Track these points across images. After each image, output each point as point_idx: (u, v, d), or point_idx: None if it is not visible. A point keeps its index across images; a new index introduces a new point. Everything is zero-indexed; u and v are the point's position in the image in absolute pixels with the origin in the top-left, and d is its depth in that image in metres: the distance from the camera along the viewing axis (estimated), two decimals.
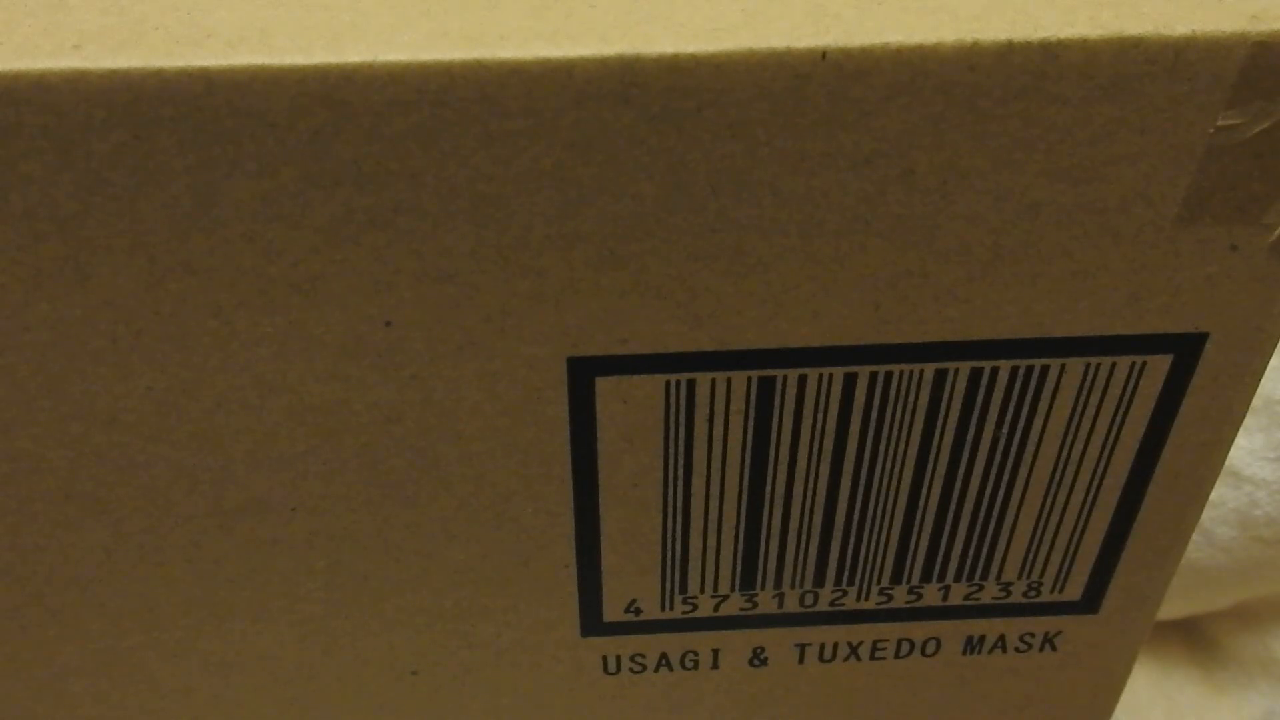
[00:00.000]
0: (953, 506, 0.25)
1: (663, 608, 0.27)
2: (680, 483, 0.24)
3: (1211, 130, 0.19)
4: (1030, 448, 0.24)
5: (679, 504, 0.24)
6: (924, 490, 0.25)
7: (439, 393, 0.22)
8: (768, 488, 0.24)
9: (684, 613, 0.27)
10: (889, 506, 0.25)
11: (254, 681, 0.27)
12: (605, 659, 0.28)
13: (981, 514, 0.25)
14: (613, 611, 0.27)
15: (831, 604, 0.27)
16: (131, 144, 0.19)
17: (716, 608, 0.27)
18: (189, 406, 0.22)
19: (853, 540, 0.25)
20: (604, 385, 0.22)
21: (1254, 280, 0.21)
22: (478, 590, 0.26)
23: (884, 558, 0.26)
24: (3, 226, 0.19)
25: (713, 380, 0.22)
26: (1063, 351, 0.22)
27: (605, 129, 0.19)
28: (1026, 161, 0.19)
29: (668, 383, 0.22)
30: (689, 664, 0.28)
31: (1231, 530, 0.40)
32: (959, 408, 0.23)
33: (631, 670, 0.28)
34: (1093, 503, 0.25)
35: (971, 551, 0.26)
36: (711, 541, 0.25)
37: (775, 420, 0.23)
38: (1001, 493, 0.25)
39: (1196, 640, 0.45)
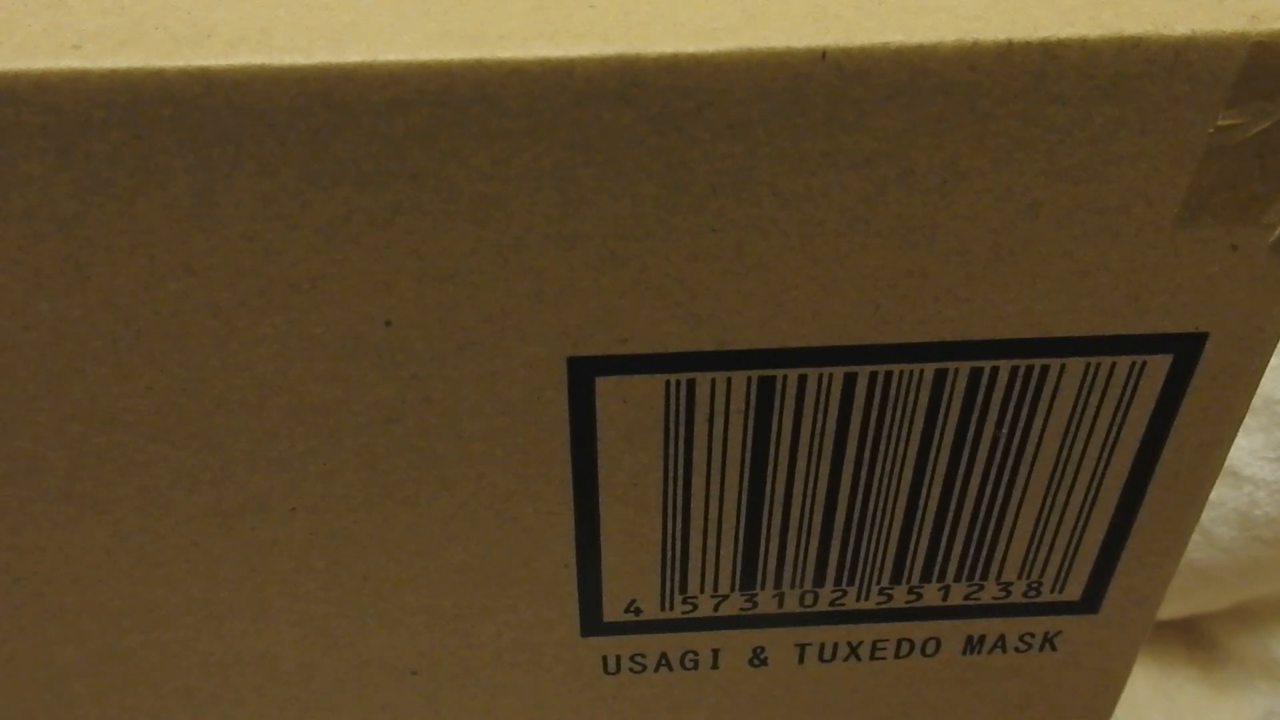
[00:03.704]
0: (953, 506, 0.25)
1: (663, 608, 0.27)
2: (680, 483, 0.24)
3: (1211, 130, 0.19)
4: (1030, 448, 0.24)
5: (679, 504, 0.24)
6: (924, 490, 0.25)
7: (439, 393, 0.22)
8: (768, 488, 0.24)
9: (684, 613, 0.27)
10: (889, 506, 0.25)
11: (254, 681, 0.27)
12: (605, 659, 0.28)
13: (981, 514, 0.25)
14: (613, 611, 0.27)
15: (831, 604, 0.27)
16: (131, 144, 0.19)
17: (716, 608, 0.27)
18: (189, 406, 0.22)
19: (853, 540, 0.25)
20: (604, 385, 0.22)
21: (1254, 280, 0.21)
22: (478, 590, 0.26)
23: (884, 558, 0.26)
24: (3, 226, 0.19)
25: (713, 380, 0.22)
26: (1063, 351, 0.22)
27: (605, 129, 0.19)
28: (1026, 161, 0.19)
29: (668, 383, 0.22)
30: (689, 664, 0.28)
31: (1231, 530, 0.40)
32: (959, 408, 0.23)
33: (631, 670, 0.28)
34: (1093, 503, 0.25)
35: (971, 551, 0.26)
36: (711, 541, 0.25)
37: (775, 420, 0.23)
38: (1001, 493, 0.25)
39: (1196, 640, 0.45)
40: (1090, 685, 0.29)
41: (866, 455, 0.24)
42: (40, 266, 0.20)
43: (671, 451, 0.23)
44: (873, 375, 0.22)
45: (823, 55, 0.18)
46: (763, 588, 0.26)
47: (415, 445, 0.23)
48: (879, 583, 0.26)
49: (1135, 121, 0.19)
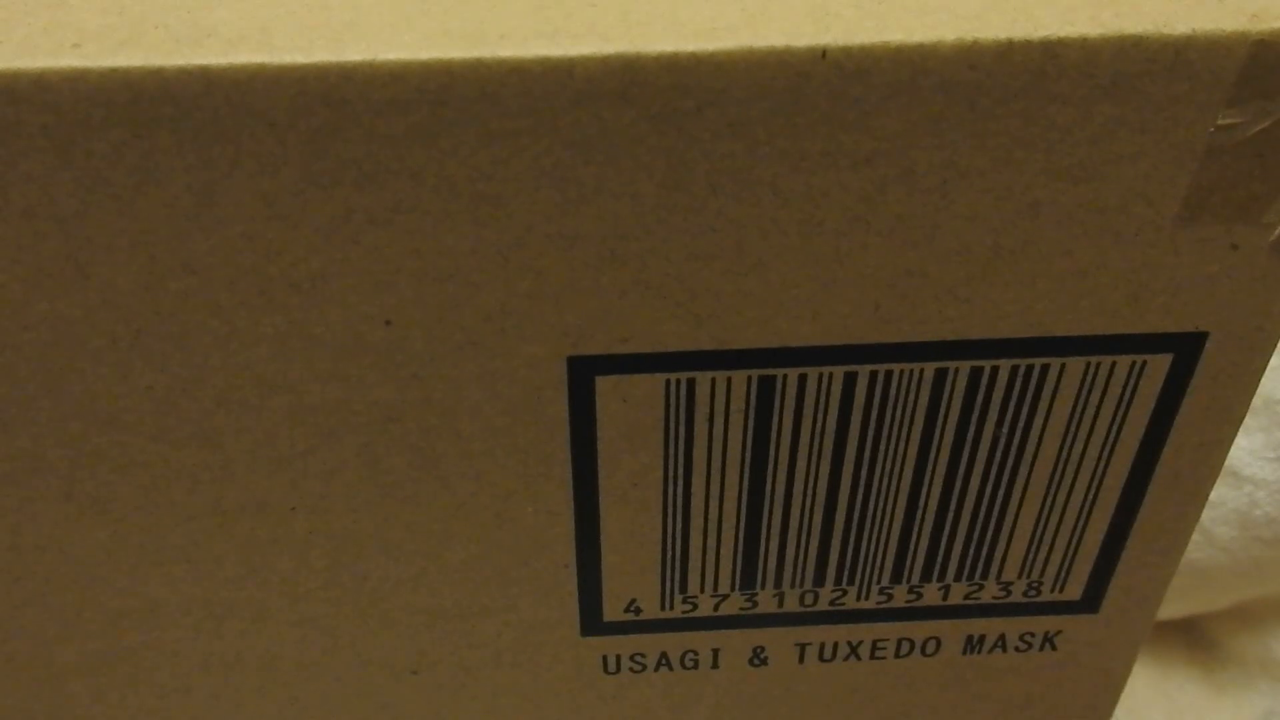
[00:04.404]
0: (953, 506, 0.25)
1: (663, 607, 0.27)
2: (680, 482, 0.24)
3: (1211, 130, 0.19)
4: (1030, 448, 0.24)
5: (679, 504, 0.24)
6: (924, 490, 0.25)
7: (439, 393, 0.22)
8: (768, 488, 0.24)
9: (684, 612, 0.27)
10: (889, 506, 0.25)
11: (254, 681, 0.27)
12: (605, 659, 0.28)
13: (981, 514, 0.25)
14: (613, 611, 0.27)
15: (831, 604, 0.27)
16: (131, 143, 0.19)
17: (716, 607, 0.27)
18: (189, 406, 0.22)
19: (853, 540, 0.25)
20: (604, 385, 0.22)
21: (1254, 280, 0.21)
22: (478, 590, 0.26)
23: (884, 557, 0.26)
24: (3, 226, 0.19)
25: (713, 380, 0.22)
26: (1063, 351, 0.22)
27: (605, 129, 0.19)
28: (1026, 161, 0.19)
29: (668, 382, 0.22)
30: (689, 664, 0.28)
31: (1231, 530, 0.40)
32: (959, 408, 0.23)
33: (631, 670, 0.28)
34: (1093, 503, 0.25)
35: (971, 551, 0.26)
36: (711, 541, 0.25)
37: (775, 420, 0.23)
38: (1001, 493, 0.25)
39: (1196, 640, 0.45)
40: (1090, 685, 0.29)
41: (866, 455, 0.24)
42: (40, 266, 0.20)
43: (671, 451, 0.23)
44: (873, 375, 0.22)
45: (823, 54, 0.18)
46: (763, 587, 0.26)
47: (415, 445, 0.23)
48: (879, 582, 0.26)
49: (1135, 121, 0.19)
